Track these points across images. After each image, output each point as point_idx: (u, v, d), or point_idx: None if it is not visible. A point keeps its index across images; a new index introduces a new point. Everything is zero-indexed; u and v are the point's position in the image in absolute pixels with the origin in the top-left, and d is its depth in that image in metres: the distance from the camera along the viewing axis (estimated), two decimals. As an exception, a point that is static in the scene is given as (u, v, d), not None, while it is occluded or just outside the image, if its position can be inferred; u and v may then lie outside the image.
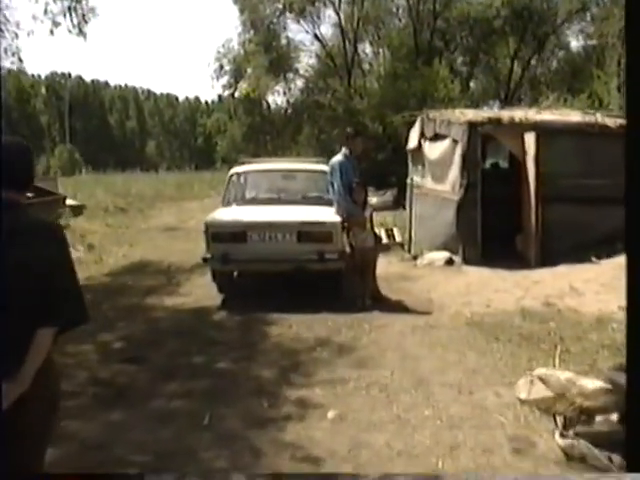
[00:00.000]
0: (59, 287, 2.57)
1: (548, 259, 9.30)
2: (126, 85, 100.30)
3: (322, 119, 26.81)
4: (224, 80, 29.07)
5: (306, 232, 7.89)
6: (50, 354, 2.60)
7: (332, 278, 8.18)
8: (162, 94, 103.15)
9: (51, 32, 13.20)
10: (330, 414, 4.57)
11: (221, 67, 28.86)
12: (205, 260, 8.07)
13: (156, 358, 6.10)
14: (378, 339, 6.44)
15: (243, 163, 10.20)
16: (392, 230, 12.46)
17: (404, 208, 13.09)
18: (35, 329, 2.50)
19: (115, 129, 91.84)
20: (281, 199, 9.06)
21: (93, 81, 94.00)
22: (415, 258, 10.80)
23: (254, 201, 9.14)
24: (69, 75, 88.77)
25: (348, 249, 8.00)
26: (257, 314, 7.50)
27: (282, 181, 9.62)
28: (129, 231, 17.03)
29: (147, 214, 21.50)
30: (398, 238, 12.08)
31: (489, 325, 6.74)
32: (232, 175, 9.44)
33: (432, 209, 11.07)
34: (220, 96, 31.98)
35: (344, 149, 8.25)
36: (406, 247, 11.57)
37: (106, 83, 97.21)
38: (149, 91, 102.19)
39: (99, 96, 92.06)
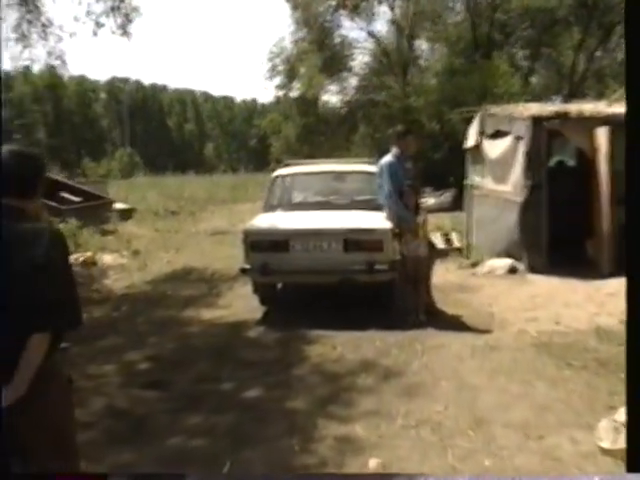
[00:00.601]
0: (52, 292, 2.58)
1: (623, 267, 8.35)
2: (184, 88, 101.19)
3: (377, 118, 26.05)
4: (277, 80, 28.61)
5: (354, 240, 7.19)
6: (56, 364, 2.65)
7: (382, 291, 7.45)
8: (220, 96, 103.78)
9: (94, 33, 12.83)
10: (372, 463, 3.86)
11: (274, 67, 28.39)
12: (244, 271, 7.46)
13: (181, 383, 5.49)
14: (431, 363, 5.68)
15: (287, 165, 9.55)
16: (449, 234, 11.62)
17: (463, 210, 12.28)
18: (28, 334, 2.50)
19: (174, 132, 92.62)
20: (327, 204, 8.35)
21: (152, 85, 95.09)
22: (474, 265, 9.99)
23: (298, 206, 8.44)
24: (128, 80, 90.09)
25: (400, 258, 7.25)
26: (299, 330, 6.84)
27: (329, 184, 8.91)
28: (177, 235, 16.62)
29: (198, 217, 21.13)
30: (456, 243, 11.25)
31: (559, 347, 5.91)
32: (275, 178, 8.79)
33: (493, 212, 10.24)
34: (278, 98, 31.41)
35: (394, 149, 7.51)
36: (464, 253, 10.74)
37: (164, 87, 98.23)
38: (207, 94, 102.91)
39: (158, 100, 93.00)
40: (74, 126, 79.52)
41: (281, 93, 29.48)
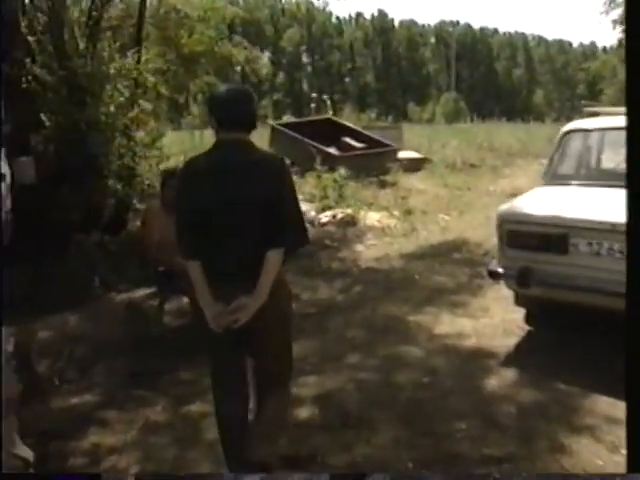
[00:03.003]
0: (285, 214, 2.92)
1: None
2: (515, 31, 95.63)
3: None
4: (614, 14, 24.07)
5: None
6: (281, 273, 3.00)
7: None
8: (554, 40, 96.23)
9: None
10: None
11: (611, -1, 23.92)
12: (493, 275, 4.91)
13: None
14: None
15: (593, 115, 6.46)
16: None
17: None
18: (266, 251, 2.84)
19: (501, 77, 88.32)
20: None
21: (481, 28, 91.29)
22: None
23: (596, 180, 5.45)
24: (457, 23, 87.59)
25: None
26: (569, 389, 4.14)
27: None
28: (468, 194, 13.97)
29: (500, 173, 18.18)
30: None
31: None
32: (567, 134, 5.84)
33: None
34: (620, 40, 26.62)
35: None
36: None
37: (495, 30, 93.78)
38: (540, 37, 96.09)
39: (486, 43, 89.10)
40: (401, 70, 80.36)
41: (619, 29, 24.87)
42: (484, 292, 6.55)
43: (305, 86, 74.47)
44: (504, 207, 5.04)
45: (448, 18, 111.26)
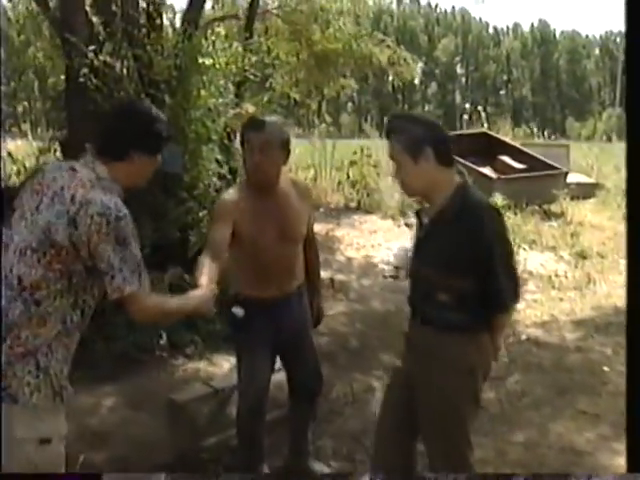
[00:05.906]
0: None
1: None
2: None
3: None
4: None
5: None
6: None
7: None
8: None
9: None
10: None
11: None
12: None
13: None
14: None
15: None
16: None
17: None
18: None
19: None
20: None
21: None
22: None
23: None
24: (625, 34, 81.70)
25: None
26: None
27: None
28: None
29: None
30: None
31: None
32: None
33: None
34: None
35: None
36: None
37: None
38: None
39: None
40: (560, 83, 76.09)
41: None
42: None
43: (458, 98, 71.56)
44: None
45: (615, 29, 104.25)
